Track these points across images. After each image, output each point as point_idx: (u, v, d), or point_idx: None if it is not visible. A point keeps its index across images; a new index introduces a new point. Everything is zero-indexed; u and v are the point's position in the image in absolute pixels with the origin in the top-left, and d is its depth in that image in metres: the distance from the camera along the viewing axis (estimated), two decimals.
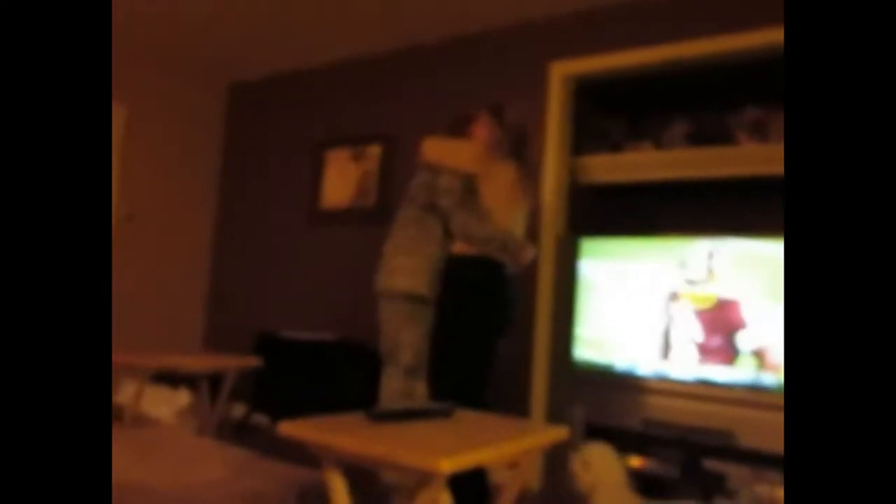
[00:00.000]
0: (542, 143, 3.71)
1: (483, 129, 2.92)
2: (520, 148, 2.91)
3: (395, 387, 2.61)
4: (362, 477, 1.76)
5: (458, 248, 2.68)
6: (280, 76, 5.21)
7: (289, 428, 1.72)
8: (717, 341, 3.08)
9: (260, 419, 4.44)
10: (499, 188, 2.75)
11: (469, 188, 2.70)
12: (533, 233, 3.64)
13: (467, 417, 2.05)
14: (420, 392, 2.60)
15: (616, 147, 3.88)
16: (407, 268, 2.66)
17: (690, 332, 3.15)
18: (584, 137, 3.91)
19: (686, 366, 3.14)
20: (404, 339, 2.64)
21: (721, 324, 3.08)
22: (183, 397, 4.30)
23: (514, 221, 2.77)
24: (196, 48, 4.81)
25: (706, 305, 3.12)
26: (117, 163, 4.88)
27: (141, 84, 5.01)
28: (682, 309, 3.18)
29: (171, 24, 4.41)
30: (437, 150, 2.82)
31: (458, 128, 3.00)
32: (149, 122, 5.06)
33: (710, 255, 3.15)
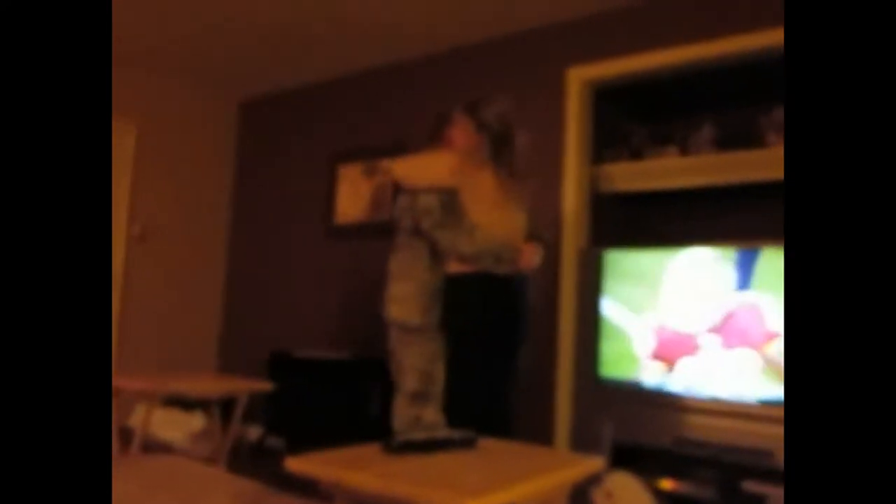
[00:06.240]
0: (561, 152, 3.57)
1: (460, 134, 2.73)
2: (500, 148, 2.70)
3: (402, 413, 2.44)
4: None
5: (453, 267, 2.53)
6: (290, 91, 5.12)
7: (297, 463, 1.58)
8: (752, 355, 2.91)
9: (275, 442, 4.31)
10: (482, 197, 2.59)
11: (450, 204, 2.50)
12: (554, 243, 3.50)
13: (492, 447, 1.90)
14: (429, 418, 2.42)
15: (638, 154, 3.73)
16: (397, 296, 2.46)
17: (723, 346, 2.98)
18: (606, 145, 3.76)
19: (721, 381, 2.97)
20: (407, 363, 2.42)
21: (756, 336, 2.91)
22: (196, 420, 4.18)
23: (505, 228, 2.62)
24: (205, 65, 4.75)
25: (739, 317, 2.96)
26: (128, 181, 4.80)
27: (151, 101, 4.94)
28: (712, 321, 3.01)
29: (181, 42, 4.34)
30: (408, 169, 2.63)
31: (436, 132, 2.82)
32: (160, 140, 4.97)
33: (743, 265, 2.98)
